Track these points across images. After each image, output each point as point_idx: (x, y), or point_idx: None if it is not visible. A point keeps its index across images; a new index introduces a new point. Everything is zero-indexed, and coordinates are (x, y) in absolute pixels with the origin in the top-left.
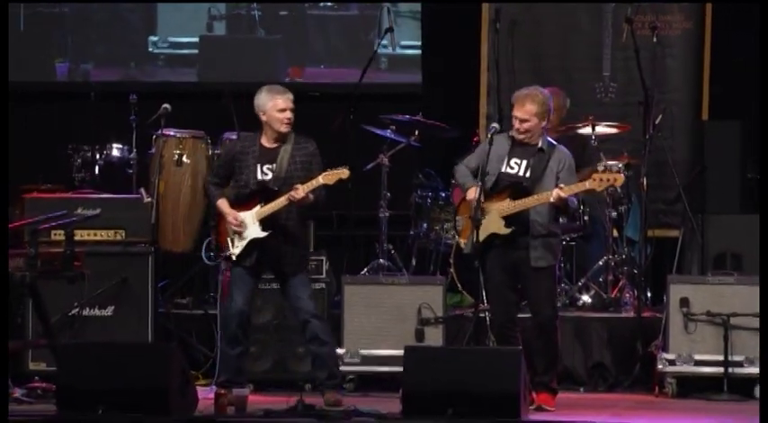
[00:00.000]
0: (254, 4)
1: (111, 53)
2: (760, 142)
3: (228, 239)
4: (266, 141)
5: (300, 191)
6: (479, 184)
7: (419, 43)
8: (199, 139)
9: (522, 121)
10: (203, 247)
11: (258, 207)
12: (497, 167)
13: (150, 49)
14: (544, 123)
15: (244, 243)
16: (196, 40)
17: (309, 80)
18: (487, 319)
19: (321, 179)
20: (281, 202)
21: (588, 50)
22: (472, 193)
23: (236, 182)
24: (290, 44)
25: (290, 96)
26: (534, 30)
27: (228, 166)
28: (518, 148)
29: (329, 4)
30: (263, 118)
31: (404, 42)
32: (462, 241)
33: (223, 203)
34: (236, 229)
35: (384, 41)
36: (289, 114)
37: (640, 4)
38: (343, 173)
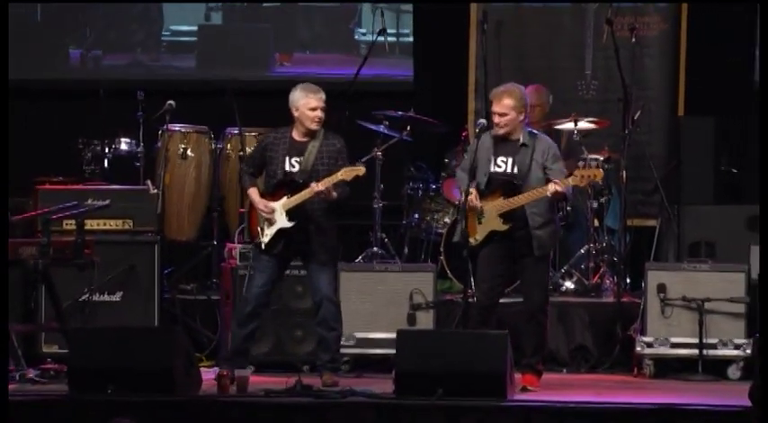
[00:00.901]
0: None
1: (120, 41)
2: (760, 142)
3: (259, 228)
4: (297, 135)
5: (321, 184)
6: (475, 182)
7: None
8: (202, 134)
9: (501, 115)
10: (235, 234)
11: (285, 198)
12: (487, 168)
13: (154, 38)
14: (522, 117)
15: (273, 231)
16: (195, 28)
17: (295, 64)
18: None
19: (340, 175)
20: (304, 194)
21: (570, 50)
22: (475, 199)
23: (267, 172)
24: (278, 32)
25: (323, 96)
26: (519, 30)
27: (261, 157)
28: (502, 146)
29: None
30: (296, 114)
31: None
32: (471, 239)
33: (254, 192)
34: (267, 216)
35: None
36: (320, 113)
37: (620, 6)
38: (360, 170)
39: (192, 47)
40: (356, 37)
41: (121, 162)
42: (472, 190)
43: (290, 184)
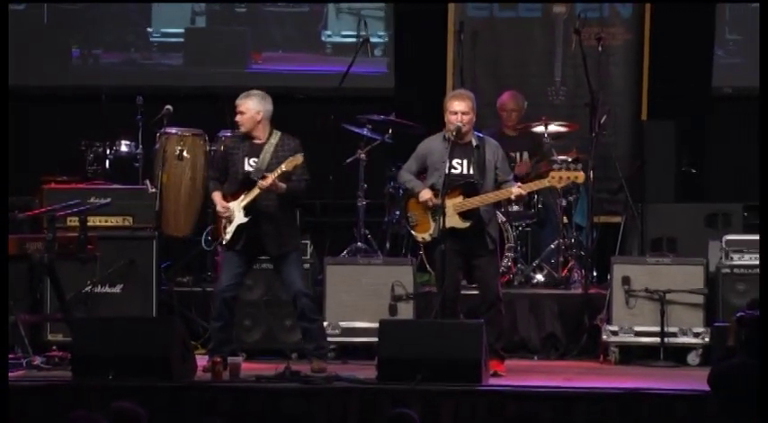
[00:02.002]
0: (233, 4)
1: (116, 41)
2: (759, 142)
3: (222, 227)
4: (252, 138)
5: (269, 179)
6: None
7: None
8: (197, 137)
9: (464, 114)
10: (203, 235)
11: (242, 196)
12: (442, 169)
13: (146, 38)
14: (474, 119)
15: (233, 229)
16: (182, 30)
17: (269, 62)
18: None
19: (283, 167)
20: (255, 190)
21: (541, 58)
22: (427, 194)
23: (229, 175)
24: (254, 34)
25: (250, 101)
26: (494, 40)
27: (223, 161)
28: (457, 149)
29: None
30: (257, 117)
31: (345, 32)
32: (419, 234)
33: (217, 196)
34: (224, 216)
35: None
36: (237, 116)
37: (587, 17)
38: (297, 159)
39: (179, 47)
40: (322, 38)
41: (122, 163)
42: (430, 191)
43: (247, 183)
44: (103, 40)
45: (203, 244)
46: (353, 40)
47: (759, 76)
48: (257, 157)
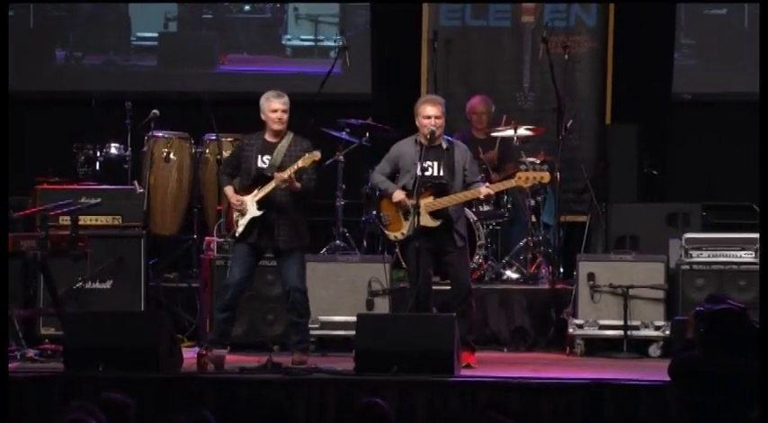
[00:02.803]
0: (203, 8)
1: (96, 44)
2: (759, 143)
3: (235, 221)
4: (268, 137)
5: (285, 173)
6: (402, 184)
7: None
8: (184, 140)
9: (437, 118)
10: (214, 229)
11: (256, 191)
12: (414, 171)
13: (123, 42)
14: (444, 123)
15: (245, 221)
16: (156, 35)
17: (235, 63)
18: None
19: (300, 162)
20: (271, 185)
21: (510, 65)
22: (400, 195)
23: (242, 171)
24: (221, 38)
25: (285, 100)
26: (465, 48)
27: (237, 158)
28: (428, 152)
29: (247, 8)
30: (263, 117)
31: (303, 36)
32: (391, 233)
33: (230, 190)
34: (237, 209)
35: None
36: (280, 114)
37: (554, 26)
38: (315, 155)
39: (154, 50)
40: (283, 42)
41: (111, 164)
42: (402, 192)
43: (260, 179)
44: (85, 43)
45: (215, 237)
46: (311, 43)
47: (759, 76)
48: (270, 155)
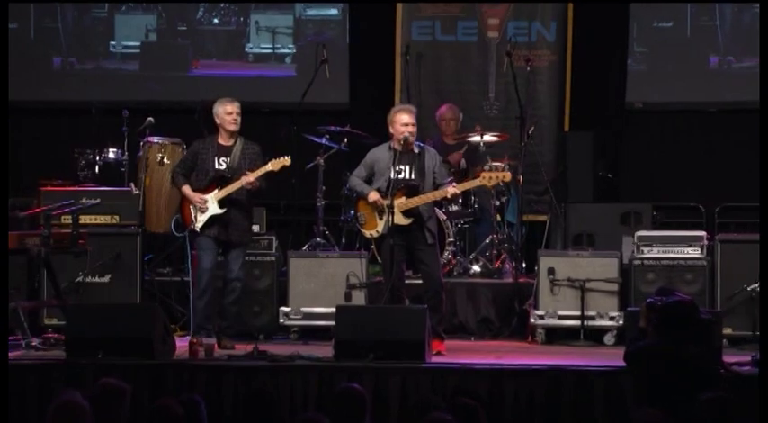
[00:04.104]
0: (178, 22)
1: (87, 51)
2: (759, 143)
3: (192, 216)
4: (222, 140)
5: (251, 176)
6: (377, 186)
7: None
8: (176, 145)
9: (413, 125)
10: (171, 224)
11: (216, 190)
12: (387, 174)
13: (111, 50)
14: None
15: (205, 218)
16: (139, 43)
17: (205, 68)
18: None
19: (269, 166)
20: (235, 185)
21: (477, 77)
22: (375, 196)
23: (199, 172)
24: (193, 46)
25: (238, 104)
26: (436, 61)
27: (192, 160)
28: (401, 156)
29: (216, 20)
30: (218, 121)
31: (263, 45)
32: (367, 231)
33: (187, 189)
34: (200, 207)
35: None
36: (235, 116)
37: (517, 41)
38: (286, 161)
39: (136, 56)
40: (246, 49)
41: (109, 168)
42: (377, 193)
43: (220, 179)
44: (77, 51)
45: (174, 232)
46: (269, 51)
47: (759, 75)
48: (227, 156)
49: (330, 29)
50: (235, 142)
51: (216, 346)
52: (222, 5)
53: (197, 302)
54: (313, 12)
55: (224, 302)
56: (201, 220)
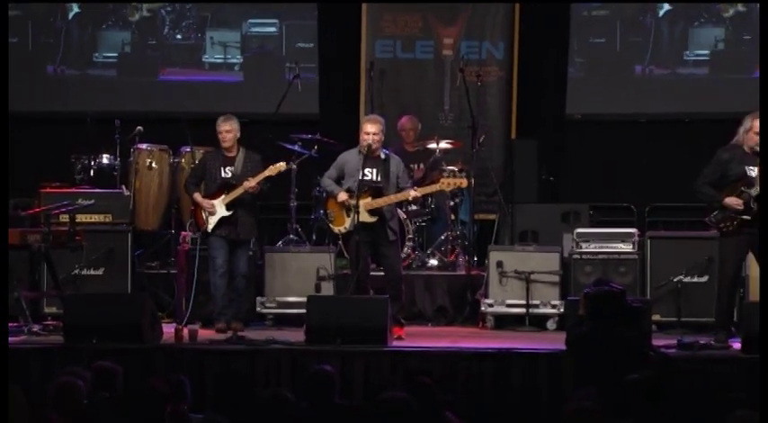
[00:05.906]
0: (148, 37)
1: (76, 60)
2: (760, 144)
3: (204, 219)
4: (226, 152)
5: (252, 181)
6: (346, 187)
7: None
8: (163, 151)
9: (374, 134)
10: (186, 226)
11: (223, 196)
12: (356, 176)
13: (93, 59)
14: (383, 139)
15: (215, 220)
16: (116, 54)
17: (170, 74)
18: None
19: (267, 172)
20: (239, 190)
21: (433, 91)
22: (343, 196)
23: (208, 181)
24: (162, 57)
25: (228, 123)
26: (396, 76)
27: (202, 170)
28: (368, 161)
29: (179, 37)
30: (219, 137)
31: (216, 56)
32: (336, 227)
33: (198, 196)
34: (209, 211)
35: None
36: (224, 135)
37: (468, 58)
38: (282, 166)
39: (115, 65)
40: (203, 60)
41: (103, 172)
42: (346, 193)
43: (226, 186)
44: (67, 60)
45: (190, 233)
46: (221, 61)
47: (759, 76)
48: (232, 166)
49: (270, 43)
50: (237, 153)
51: (198, 331)
52: (184, 24)
53: (215, 293)
54: (257, 29)
55: (233, 296)
56: (212, 222)
